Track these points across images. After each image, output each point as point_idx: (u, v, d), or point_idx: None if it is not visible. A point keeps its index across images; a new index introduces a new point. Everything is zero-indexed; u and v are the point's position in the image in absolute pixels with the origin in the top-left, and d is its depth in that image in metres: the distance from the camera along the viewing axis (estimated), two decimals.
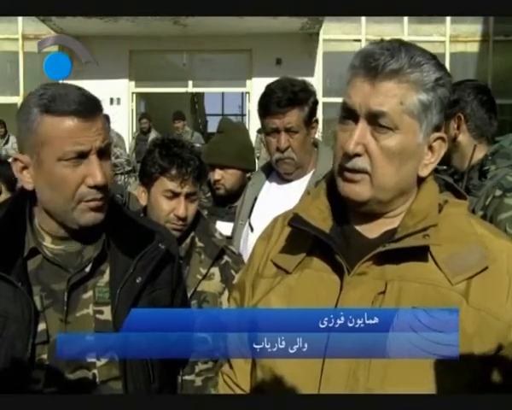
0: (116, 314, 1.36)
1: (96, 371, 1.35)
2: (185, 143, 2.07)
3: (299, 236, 1.22)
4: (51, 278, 1.36)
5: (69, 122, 1.28)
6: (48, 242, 1.39)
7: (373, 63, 1.09)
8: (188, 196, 1.98)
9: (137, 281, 1.39)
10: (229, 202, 2.85)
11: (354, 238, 1.18)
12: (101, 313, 1.37)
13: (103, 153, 1.34)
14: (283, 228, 1.29)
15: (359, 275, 1.11)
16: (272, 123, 2.22)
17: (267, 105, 2.22)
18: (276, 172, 2.35)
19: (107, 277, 1.39)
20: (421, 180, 1.18)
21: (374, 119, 1.10)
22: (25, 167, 1.34)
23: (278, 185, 2.35)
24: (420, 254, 1.10)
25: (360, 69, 1.11)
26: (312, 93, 2.27)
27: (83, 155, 1.30)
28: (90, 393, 1.33)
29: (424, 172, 1.16)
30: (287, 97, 2.18)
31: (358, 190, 1.13)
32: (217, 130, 2.98)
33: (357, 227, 1.19)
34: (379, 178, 1.12)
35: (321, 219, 1.19)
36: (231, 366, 1.31)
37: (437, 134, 1.14)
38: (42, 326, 1.32)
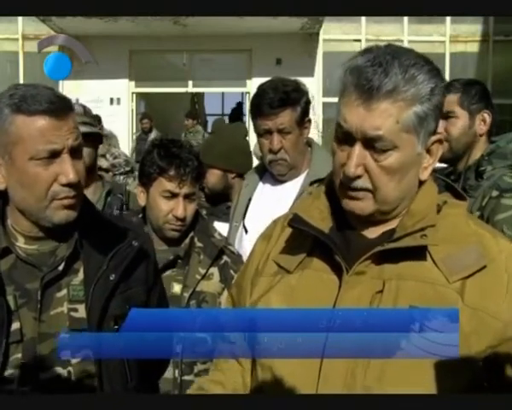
0: (90, 312, 1.36)
1: (70, 368, 1.35)
2: (184, 144, 2.07)
3: (299, 236, 1.22)
4: (25, 278, 1.36)
5: (41, 121, 1.28)
6: (21, 242, 1.39)
7: (366, 85, 1.06)
8: (186, 197, 1.98)
9: (111, 278, 1.40)
10: (217, 202, 2.86)
11: (354, 238, 1.18)
12: (76, 310, 1.37)
13: (75, 151, 1.34)
14: (284, 229, 1.29)
15: (357, 274, 1.12)
16: (264, 124, 2.18)
17: (259, 106, 2.18)
18: (270, 173, 2.32)
19: (81, 275, 1.40)
20: (420, 182, 1.18)
21: (371, 142, 1.09)
22: None
23: (272, 186, 2.32)
24: (418, 253, 1.10)
25: (352, 88, 1.08)
26: (305, 93, 2.23)
27: (55, 154, 1.30)
28: (64, 391, 1.32)
29: (424, 175, 1.17)
30: (279, 98, 2.14)
31: (362, 206, 1.14)
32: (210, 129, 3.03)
33: (357, 227, 1.19)
34: (382, 194, 1.12)
35: (320, 218, 1.19)
36: (217, 368, 1.32)
37: (434, 138, 1.14)
38: (15, 326, 1.32)
